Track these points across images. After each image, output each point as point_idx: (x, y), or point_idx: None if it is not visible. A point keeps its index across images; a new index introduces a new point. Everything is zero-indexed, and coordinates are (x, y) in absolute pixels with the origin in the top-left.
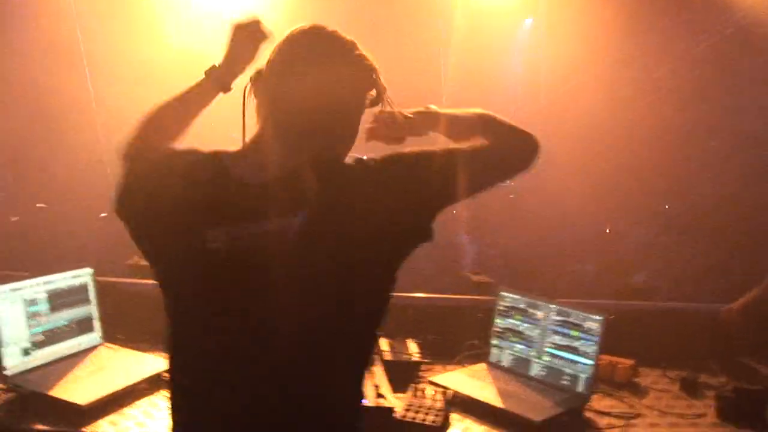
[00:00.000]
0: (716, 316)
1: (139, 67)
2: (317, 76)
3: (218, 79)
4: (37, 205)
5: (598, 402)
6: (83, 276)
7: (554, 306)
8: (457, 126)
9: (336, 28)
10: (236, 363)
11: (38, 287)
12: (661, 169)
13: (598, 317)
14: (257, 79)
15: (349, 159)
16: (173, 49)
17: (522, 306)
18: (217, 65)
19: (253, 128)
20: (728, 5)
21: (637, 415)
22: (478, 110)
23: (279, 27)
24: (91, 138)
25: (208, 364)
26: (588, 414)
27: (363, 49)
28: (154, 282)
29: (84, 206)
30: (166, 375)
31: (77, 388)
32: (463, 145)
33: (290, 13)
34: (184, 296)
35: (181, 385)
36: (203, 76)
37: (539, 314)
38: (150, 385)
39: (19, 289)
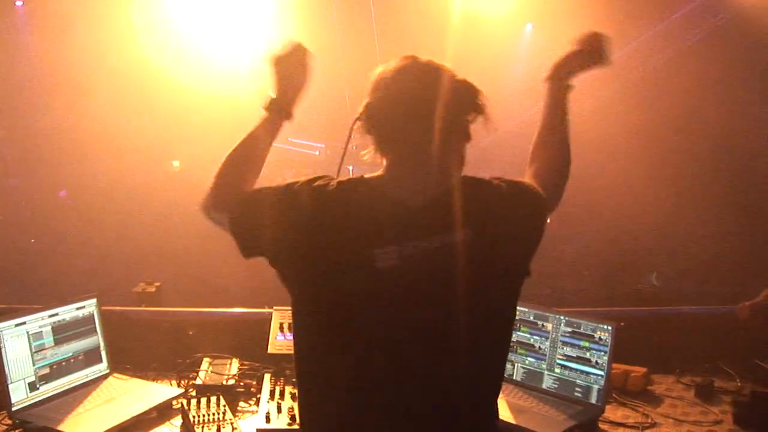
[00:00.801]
0: (732, 314)
1: (140, 103)
2: (428, 106)
3: (281, 110)
4: (32, 240)
5: (613, 412)
6: (88, 306)
7: (563, 317)
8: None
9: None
10: (405, 373)
11: (43, 320)
12: (668, 170)
13: (608, 326)
14: (367, 115)
15: (501, 185)
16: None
17: (531, 318)
18: (273, 96)
19: (372, 158)
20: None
21: (653, 425)
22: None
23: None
24: (96, 166)
25: (373, 376)
26: (603, 425)
27: (459, 73)
28: (294, 310)
29: (91, 234)
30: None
31: (86, 421)
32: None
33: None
34: (351, 316)
35: (339, 398)
36: (264, 111)
37: (549, 326)
38: (160, 413)
39: (24, 323)
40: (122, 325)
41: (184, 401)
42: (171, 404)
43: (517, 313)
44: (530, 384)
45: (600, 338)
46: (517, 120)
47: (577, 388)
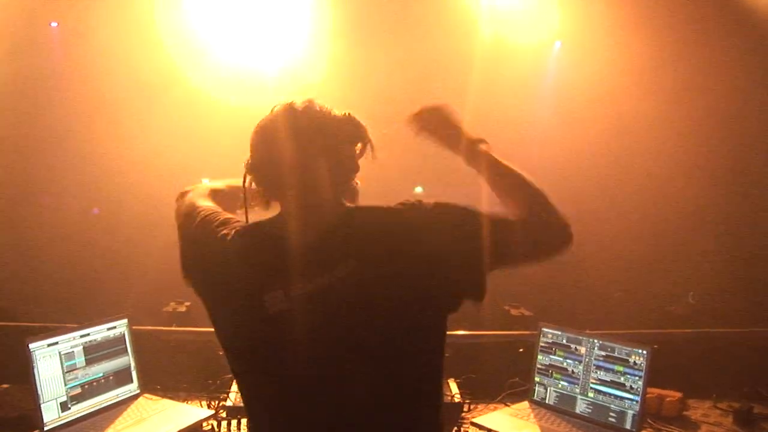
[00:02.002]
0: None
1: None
2: (304, 148)
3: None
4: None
5: None
6: (119, 327)
7: (597, 340)
8: (500, 174)
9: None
10: (308, 412)
11: (74, 341)
12: (699, 191)
13: (642, 350)
14: (251, 170)
15: (396, 202)
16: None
17: (564, 342)
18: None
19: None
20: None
21: None
22: (525, 174)
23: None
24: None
25: (281, 415)
26: None
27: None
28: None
29: (121, 253)
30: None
31: None
32: (500, 210)
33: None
34: (248, 358)
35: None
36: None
37: (582, 349)
38: None
39: (56, 343)
40: (153, 345)
41: (215, 423)
42: (201, 426)
43: (551, 336)
44: (563, 408)
45: (635, 362)
46: (544, 135)
47: (611, 413)
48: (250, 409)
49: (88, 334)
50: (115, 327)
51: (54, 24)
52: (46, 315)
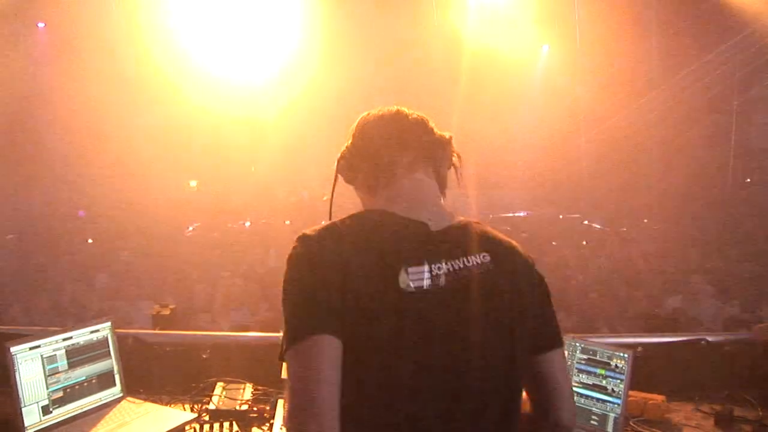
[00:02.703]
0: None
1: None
2: (420, 154)
3: None
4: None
5: None
6: (102, 330)
7: (579, 344)
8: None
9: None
10: (432, 400)
11: (57, 344)
12: (690, 194)
13: (624, 354)
14: (347, 163)
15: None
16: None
17: None
18: None
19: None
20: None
21: None
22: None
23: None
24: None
25: (404, 404)
26: None
27: (431, 122)
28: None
29: (105, 255)
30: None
31: None
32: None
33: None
34: (379, 343)
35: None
36: None
37: (565, 353)
38: None
39: (38, 346)
40: (136, 349)
41: (198, 426)
42: (184, 429)
43: None
44: None
45: (616, 366)
46: (531, 137)
47: (593, 416)
48: (359, 411)
49: (71, 338)
50: (98, 330)
51: (41, 25)
52: (25, 317)
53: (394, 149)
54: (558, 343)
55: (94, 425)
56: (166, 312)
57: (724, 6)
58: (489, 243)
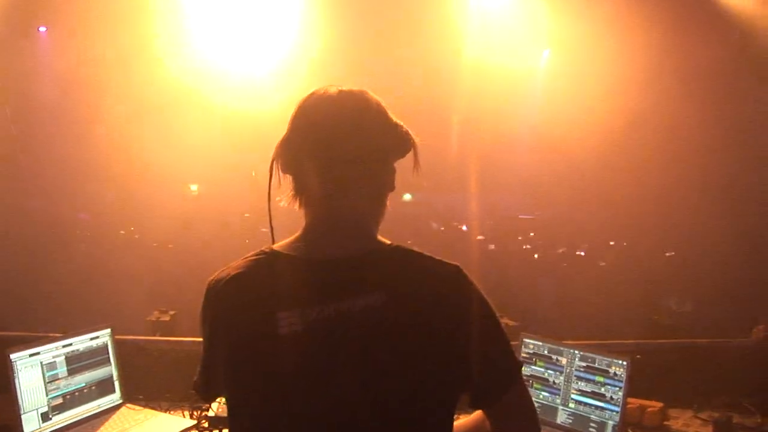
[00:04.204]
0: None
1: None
2: (350, 149)
3: None
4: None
5: None
6: (102, 336)
7: (578, 351)
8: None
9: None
10: None
11: (56, 351)
12: (684, 200)
13: (622, 361)
14: (281, 153)
15: (435, 260)
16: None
17: (545, 352)
18: None
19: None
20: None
21: None
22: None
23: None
24: (112, 190)
25: None
26: None
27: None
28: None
29: (105, 259)
30: None
31: None
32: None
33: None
34: (251, 385)
35: None
36: None
37: (563, 360)
38: None
39: (38, 353)
40: (136, 355)
41: None
42: None
43: (533, 347)
44: (544, 419)
45: (615, 373)
46: (532, 142)
47: (591, 424)
48: None
49: (71, 344)
50: (98, 337)
51: (42, 29)
52: (24, 323)
53: (321, 153)
54: (503, 390)
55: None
56: (166, 318)
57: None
58: (392, 279)
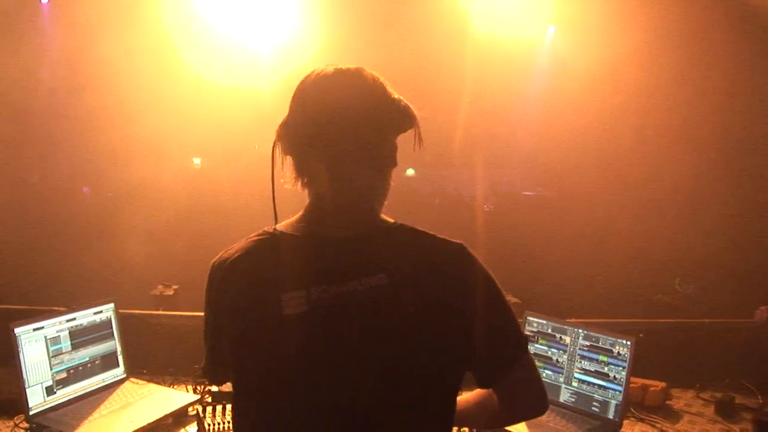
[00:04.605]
0: (753, 325)
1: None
2: (350, 127)
3: None
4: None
5: (630, 428)
6: (106, 311)
7: (582, 330)
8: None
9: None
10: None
11: (60, 325)
12: (693, 181)
13: (626, 341)
14: (283, 135)
15: (438, 238)
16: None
17: (549, 331)
18: None
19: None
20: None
21: None
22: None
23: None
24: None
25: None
26: None
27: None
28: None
29: (108, 234)
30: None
31: (102, 427)
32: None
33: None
34: (257, 367)
35: None
36: None
37: (567, 339)
38: (175, 420)
39: (42, 327)
40: (139, 329)
41: (200, 408)
42: (187, 411)
43: (537, 325)
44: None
45: (618, 353)
46: (538, 121)
47: (594, 403)
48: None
49: (74, 319)
50: (101, 311)
51: (44, 1)
52: (27, 296)
53: (322, 133)
54: (510, 366)
55: (98, 406)
56: (170, 292)
57: None
58: (395, 259)
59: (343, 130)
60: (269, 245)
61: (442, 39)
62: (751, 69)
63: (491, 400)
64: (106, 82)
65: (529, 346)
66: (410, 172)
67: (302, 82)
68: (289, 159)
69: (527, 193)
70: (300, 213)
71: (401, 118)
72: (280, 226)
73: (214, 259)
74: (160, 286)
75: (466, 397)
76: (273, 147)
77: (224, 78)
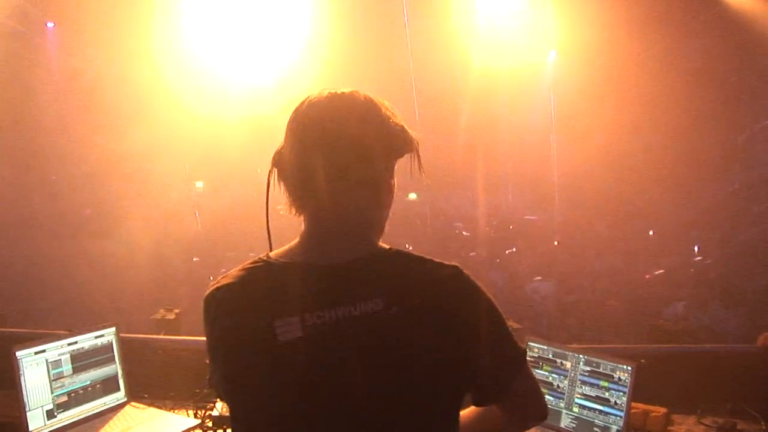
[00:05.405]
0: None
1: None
2: (346, 154)
3: None
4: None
5: None
6: (107, 335)
7: (583, 356)
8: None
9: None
10: None
11: (62, 349)
12: (696, 202)
13: (627, 366)
14: (278, 163)
15: (434, 262)
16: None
17: (550, 356)
18: None
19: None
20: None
21: None
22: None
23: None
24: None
25: None
26: None
27: (385, 106)
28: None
29: (111, 257)
30: None
31: None
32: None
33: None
34: (252, 395)
35: None
36: None
37: (568, 364)
38: None
39: (43, 351)
40: (141, 353)
41: None
42: None
43: (537, 350)
44: (548, 422)
45: (619, 378)
46: (541, 144)
47: (595, 428)
48: None
49: (76, 342)
50: (103, 335)
51: (50, 24)
52: (29, 320)
53: (316, 159)
54: (508, 387)
55: (98, 430)
56: (171, 316)
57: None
58: (391, 284)
59: (335, 156)
60: (263, 272)
61: (443, 65)
62: (751, 92)
63: (491, 413)
64: (109, 107)
65: (526, 356)
66: (412, 196)
67: (296, 109)
68: (284, 186)
69: (528, 217)
70: (295, 241)
71: (396, 141)
72: (275, 253)
73: (211, 286)
74: (161, 310)
75: (465, 413)
76: (268, 175)
77: (224, 103)
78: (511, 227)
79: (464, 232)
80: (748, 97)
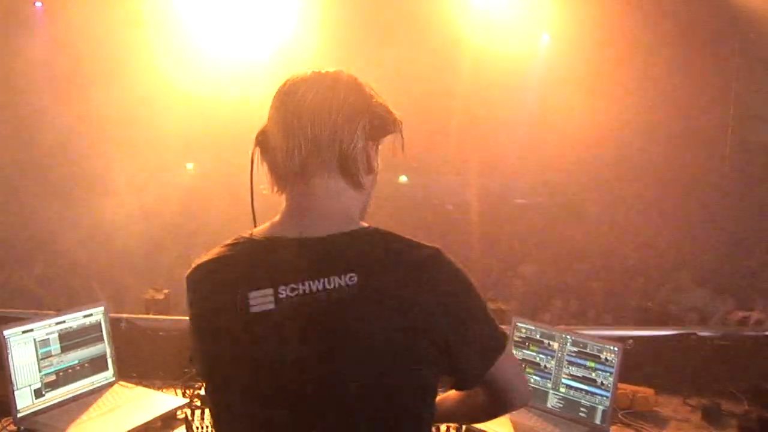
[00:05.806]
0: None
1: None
2: (323, 132)
3: None
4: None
5: None
6: (96, 314)
7: (570, 336)
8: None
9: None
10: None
11: (50, 328)
12: (683, 188)
13: (614, 347)
14: (260, 142)
15: (413, 242)
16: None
17: (537, 337)
18: None
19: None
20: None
21: None
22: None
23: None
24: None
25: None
26: None
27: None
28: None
29: (100, 238)
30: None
31: (90, 430)
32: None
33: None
34: (224, 367)
35: None
36: None
37: (555, 345)
38: (164, 423)
39: (31, 330)
40: (129, 333)
41: (189, 411)
42: (175, 414)
43: (525, 331)
44: (534, 403)
45: (606, 359)
46: (532, 128)
47: (581, 408)
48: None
49: (64, 321)
50: (91, 314)
51: (38, 4)
52: (17, 301)
53: (297, 136)
54: (490, 364)
55: (86, 409)
56: (160, 296)
57: None
58: (366, 260)
59: (316, 133)
60: (241, 249)
61: (437, 48)
62: (747, 94)
63: (472, 396)
64: (98, 87)
65: (507, 341)
66: (403, 179)
67: (280, 88)
68: (266, 165)
69: (520, 201)
70: (276, 218)
71: (380, 121)
72: (257, 230)
73: (193, 264)
74: (150, 290)
75: (446, 395)
76: (252, 153)
77: (215, 84)
78: (501, 210)
79: (454, 212)
80: (746, 76)
